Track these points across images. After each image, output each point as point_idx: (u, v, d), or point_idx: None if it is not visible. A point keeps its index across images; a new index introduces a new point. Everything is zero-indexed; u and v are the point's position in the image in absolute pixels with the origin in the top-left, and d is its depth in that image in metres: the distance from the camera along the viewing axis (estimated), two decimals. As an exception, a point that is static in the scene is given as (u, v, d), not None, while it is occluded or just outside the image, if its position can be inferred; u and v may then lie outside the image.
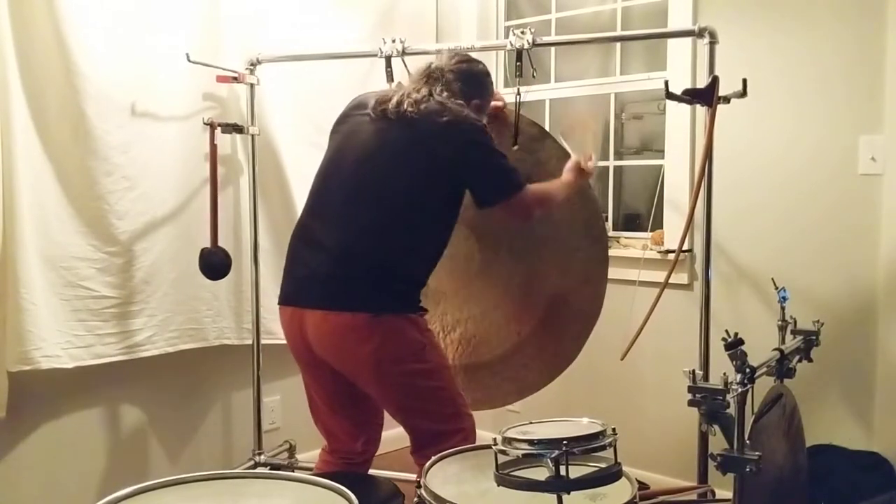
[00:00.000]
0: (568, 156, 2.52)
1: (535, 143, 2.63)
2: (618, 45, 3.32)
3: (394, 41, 2.72)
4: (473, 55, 2.47)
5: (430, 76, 2.30)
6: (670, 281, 2.36)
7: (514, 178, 2.24)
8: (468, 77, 2.35)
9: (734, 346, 1.61)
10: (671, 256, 2.74)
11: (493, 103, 2.55)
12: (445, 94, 2.25)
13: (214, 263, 2.84)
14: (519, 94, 2.59)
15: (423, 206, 2.19)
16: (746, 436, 1.54)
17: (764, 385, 1.82)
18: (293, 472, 2.80)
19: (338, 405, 2.34)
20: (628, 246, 3.20)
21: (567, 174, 2.44)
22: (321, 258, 2.19)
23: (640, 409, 3.13)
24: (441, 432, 2.18)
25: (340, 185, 2.23)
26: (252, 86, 2.96)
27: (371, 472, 2.43)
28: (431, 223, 2.22)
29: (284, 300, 2.27)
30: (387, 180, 2.18)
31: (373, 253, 2.15)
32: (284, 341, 2.32)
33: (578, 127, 2.54)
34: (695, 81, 2.88)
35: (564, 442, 1.35)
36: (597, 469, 1.43)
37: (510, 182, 2.23)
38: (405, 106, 2.19)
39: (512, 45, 2.59)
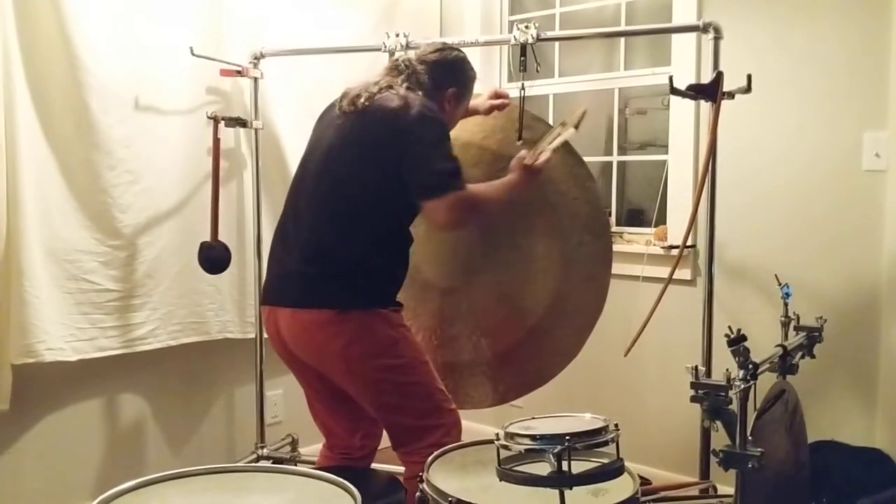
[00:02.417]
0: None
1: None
2: (622, 40, 3.31)
3: (397, 36, 2.71)
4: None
5: (396, 68, 2.26)
6: (673, 277, 2.36)
7: (443, 179, 2.07)
8: (440, 66, 2.28)
9: (737, 342, 1.61)
10: (674, 252, 2.74)
11: (496, 102, 2.53)
12: (405, 85, 2.19)
13: (213, 257, 2.84)
14: (523, 88, 2.59)
15: (380, 198, 2.12)
16: (749, 432, 1.54)
17: (766, 381, 1.82)
18: (296, 465, 2.81)
19: (330, 401, 2.32)
20: (632, 241, 3.19)
21: (512, 173, 2.29)
22: (292, 256, 2.19)
23: (643, 404, 3.13)
24: (420, 427, 2.14)
25: (307, 183, 2.22)
26: (256, 80, 2.96)
27: (372, 466, 2.43)
28: (391, 215, 2.15)
29: (263, 299, 2.28)
30: (344, 175, 2.14)
31: (338, 249, 2.12)
32: None
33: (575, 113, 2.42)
34: (699, 77, 2.88)
35: (567, 437, 1.36)
36: (599, 464, 1.43)
37: (436, 182, 2.07)
38: (362, 98, 2.15)
39: (516, 39, 2.58)
